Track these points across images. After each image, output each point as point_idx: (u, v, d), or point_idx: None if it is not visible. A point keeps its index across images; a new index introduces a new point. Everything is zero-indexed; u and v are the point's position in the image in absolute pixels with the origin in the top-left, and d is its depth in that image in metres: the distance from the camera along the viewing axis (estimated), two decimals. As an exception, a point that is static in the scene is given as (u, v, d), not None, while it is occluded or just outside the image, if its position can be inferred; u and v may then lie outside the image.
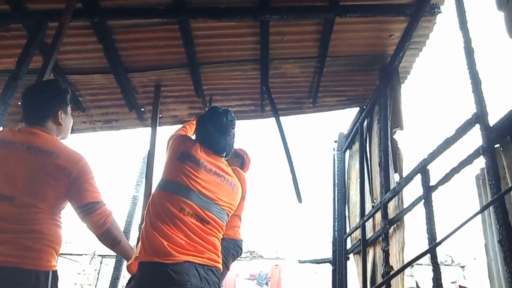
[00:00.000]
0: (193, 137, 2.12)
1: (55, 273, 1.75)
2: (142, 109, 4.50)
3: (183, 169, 1.83)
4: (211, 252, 1.77)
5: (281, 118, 4.37)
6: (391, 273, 2.97)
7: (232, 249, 3.23)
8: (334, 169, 5.13)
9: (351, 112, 4.85)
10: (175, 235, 1.70)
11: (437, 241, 2.35)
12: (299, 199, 4.23)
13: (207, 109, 2.19)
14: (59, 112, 1.91)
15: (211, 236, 1.81)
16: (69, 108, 2.00)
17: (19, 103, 3.98)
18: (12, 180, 1.71)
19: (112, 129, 4.72)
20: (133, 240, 4.82)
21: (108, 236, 1.85)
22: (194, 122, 2.22)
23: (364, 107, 4.47)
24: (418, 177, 2.75)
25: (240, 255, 3.45)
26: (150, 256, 1.66)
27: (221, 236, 1.90)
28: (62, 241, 1.82)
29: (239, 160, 3.71)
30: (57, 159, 1.77)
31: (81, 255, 13.99)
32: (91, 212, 1.81)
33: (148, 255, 1.68)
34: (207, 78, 4.11)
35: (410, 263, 2.49)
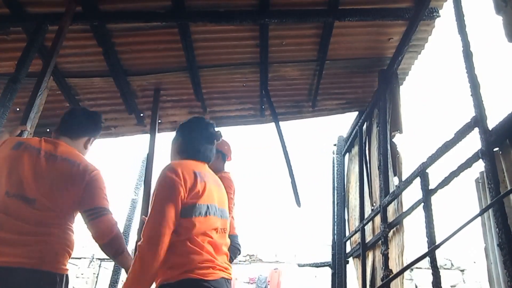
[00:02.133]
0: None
1: (67, 277, 1.82)
2: (142, 114, 4.47)
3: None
4: (228, 266, 1.77)
5: (281, 123, 4.37)
6: (391, 276, 2.96)
7: (236, 246, 3.42)
8: (333, 173, 5.13)
9: (351, 116, 4.86)
10: (207, 251, 1.66)
11: (436, 244, 2.35)
12: (298, 203, 4.23)
13: (188, 120, 2.05)
14: (91, 139, 2.14)
15: (226, 246, 1.81)
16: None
17: (17, 109, 4.00)
18: (36, 184, 1.79)
19: (111, 136, 4.66)
20: (132, 244, 4.80)
21: (113, 245, 1.88)
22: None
23: (363, 110, 4.48)
24: (417, 181, 2.75)
25: (240, 247, 3.57)
26: (189, 274, 1.59)
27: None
28: (75, 246, 1.89)
29: (219, 156, 3.64)
30: (78, 168, 1.90)
31: (80, 258, 13.93)
32: (99, 216, 1.85)
33: (186, 273, 1.60)
34: (207, 81, 4.11)
35: (410, 266, 2.48)
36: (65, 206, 1.83)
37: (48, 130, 4.20)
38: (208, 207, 1.72)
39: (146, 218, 1.74)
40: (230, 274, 1.75)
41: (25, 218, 1.72)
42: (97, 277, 13.95)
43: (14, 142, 1.90)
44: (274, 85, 4.21)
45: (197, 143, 1.94)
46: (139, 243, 1.62)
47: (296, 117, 4.65)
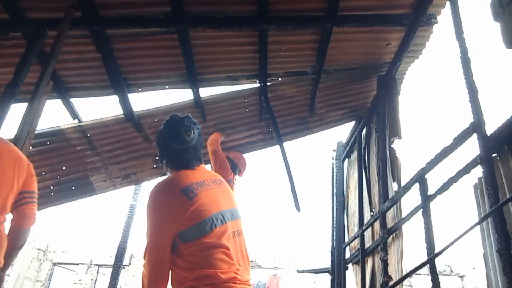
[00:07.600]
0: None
1: None
2: (157, 157, 4.44)
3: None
4: (248, 274, 1.66)
5: (288, 142, 4.43)
6: (390, 283, 2.95)
7: None
8: (332, 178, 5.11)
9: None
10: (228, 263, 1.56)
11: (435, 251, 2.34)
12: (298, 208, 4.23)
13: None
14: None
15: (245, 249, 1.70)
16: None
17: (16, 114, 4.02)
18: None
19: (132, 184, 4.61)
20: (130, 250, 4.77)
21: (28, 233, 2.04)
22: None
23: (362, 116, 4.48)
24: (416, 186, 2.75)
25: None
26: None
27: None
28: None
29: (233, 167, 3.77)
30: None
31: (78, 264, 13.84)
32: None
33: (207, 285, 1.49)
34: (211, 112, 4.23)
35: (409, 274, 2.47)
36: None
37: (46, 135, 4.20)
38: (212, 219, 1.57)
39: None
40: (249, 285, 1.62)
41: None
42: (95, 283, 13.85)
43: None
44: (275, 105, 4.26)
45: (177, 151, 1.74)
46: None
47: (304, 133, 4.60)
